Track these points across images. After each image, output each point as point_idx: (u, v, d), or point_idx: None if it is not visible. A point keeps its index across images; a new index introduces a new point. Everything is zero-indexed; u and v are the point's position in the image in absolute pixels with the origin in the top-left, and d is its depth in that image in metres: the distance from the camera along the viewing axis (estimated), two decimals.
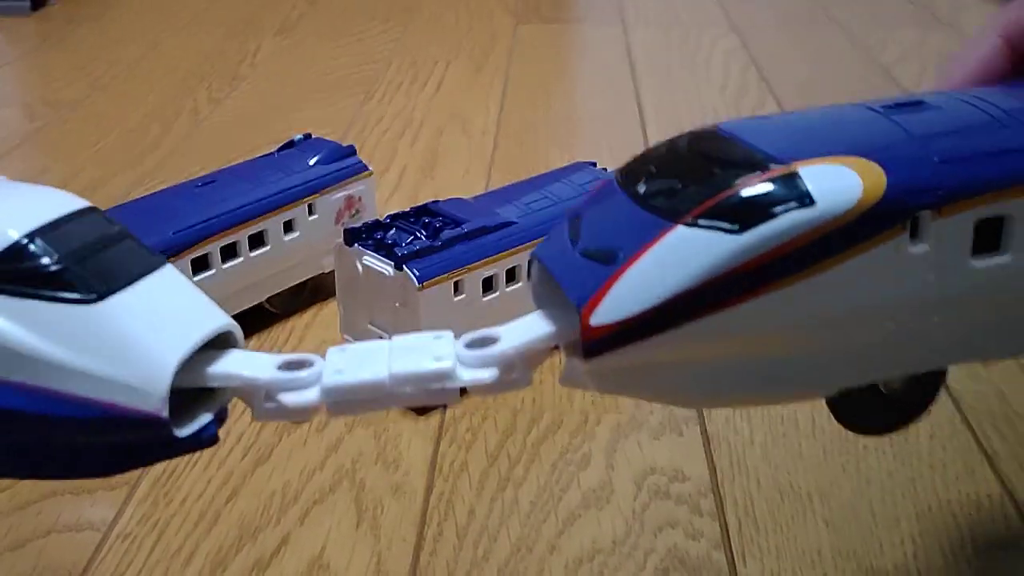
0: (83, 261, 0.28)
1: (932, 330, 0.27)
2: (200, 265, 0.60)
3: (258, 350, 0.63)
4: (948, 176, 0.26)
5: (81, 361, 0.26)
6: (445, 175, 0.89)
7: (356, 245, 0.57)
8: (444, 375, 0.26)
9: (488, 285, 0.57)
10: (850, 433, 0.54)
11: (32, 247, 0.27)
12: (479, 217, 0.58)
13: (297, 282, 0.66)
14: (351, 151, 0.68)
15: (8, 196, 0.30)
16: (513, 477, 0.52)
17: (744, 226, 0.24)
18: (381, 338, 0.57)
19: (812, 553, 0.47)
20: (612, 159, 0.94)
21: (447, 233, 0.56)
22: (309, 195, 0.65)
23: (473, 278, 0.56)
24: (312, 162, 0.66)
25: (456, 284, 0.56)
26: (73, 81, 1.16)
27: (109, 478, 0.52)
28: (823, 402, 0.57)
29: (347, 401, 0.26)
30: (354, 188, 0.67)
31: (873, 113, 0.28)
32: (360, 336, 0.58)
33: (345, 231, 0.57)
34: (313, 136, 0.70)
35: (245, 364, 0.28)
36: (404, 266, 0.54)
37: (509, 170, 0.89)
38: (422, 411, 0.57)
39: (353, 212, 0.68)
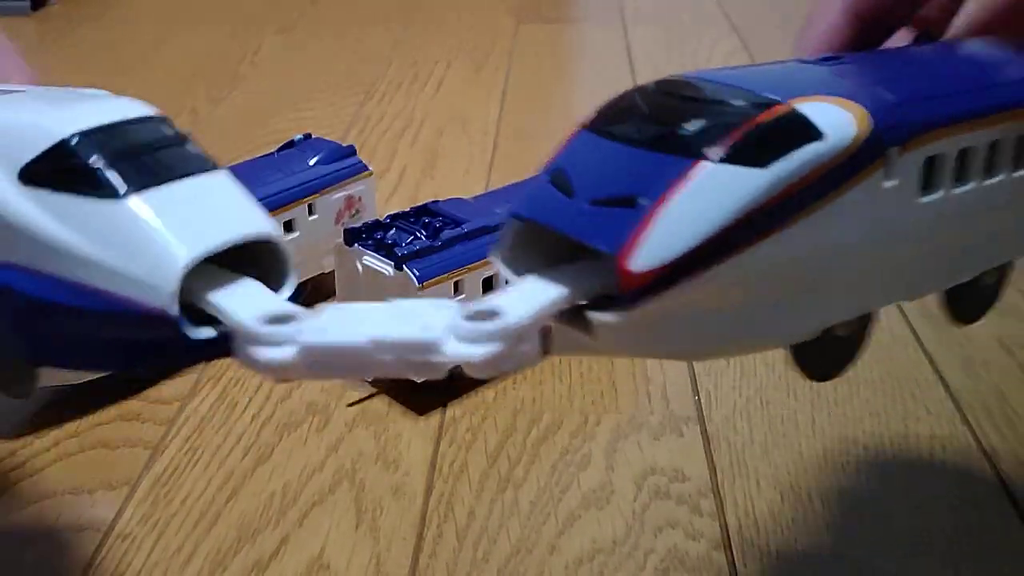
0: (122, 160, 0.28)
1: (894, 265, 0.29)
2: None
3: None
4: (907, 115, 0.27)
5: (101, 254, 0.27)
6: (445, 175, 0.89)
7: (356, 245, 0.57)
8: (427, 347, 0.24)
9: (488, 285, 0.57)
10: (850, 433, 0.55)
11: (75, 145, 0.28)
12: (479, 217, 0.58)
13: (297, 282, 0.66)
14: (351, 151, 0.68)
15: (77, 101, 0.31)
16: (513, 478, 0.52)
17: (770, 160, 0.25)
18: None
19: (812, 553, 0.47)
20: None
21: (447, 233, 0.56)
22: (309, 195, 0.65)
23: (473, 278, 0.56)
24: (312, 162, 0.66)
25: (456, 284, 0.56)
26: (73, 81, 1.15)
27: (110, 478, 0.52)
28: (821, 393, 0.57)
29: (325, 363, 0.24)
30: (354, 188, 0.67)
31: (815, 65, 0.30)
32: None
33: (345, 231, 0.57)
34: (313, 136, 0.70)
35: (240, 302, 0.27)
36: (404, 266, 0.54)
37: (509, 170, 0.89)
38: (422, 410, 0.57)
39: (353, 212, 0.68)
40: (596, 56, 1.27)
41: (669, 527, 0.49)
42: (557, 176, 0.26)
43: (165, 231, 0.27)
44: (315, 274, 0.67)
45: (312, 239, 0.65)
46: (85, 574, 0.46)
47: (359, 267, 0.56)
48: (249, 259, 0.28)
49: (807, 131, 0.25)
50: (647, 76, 0.31)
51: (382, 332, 0.24)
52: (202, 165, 0.29)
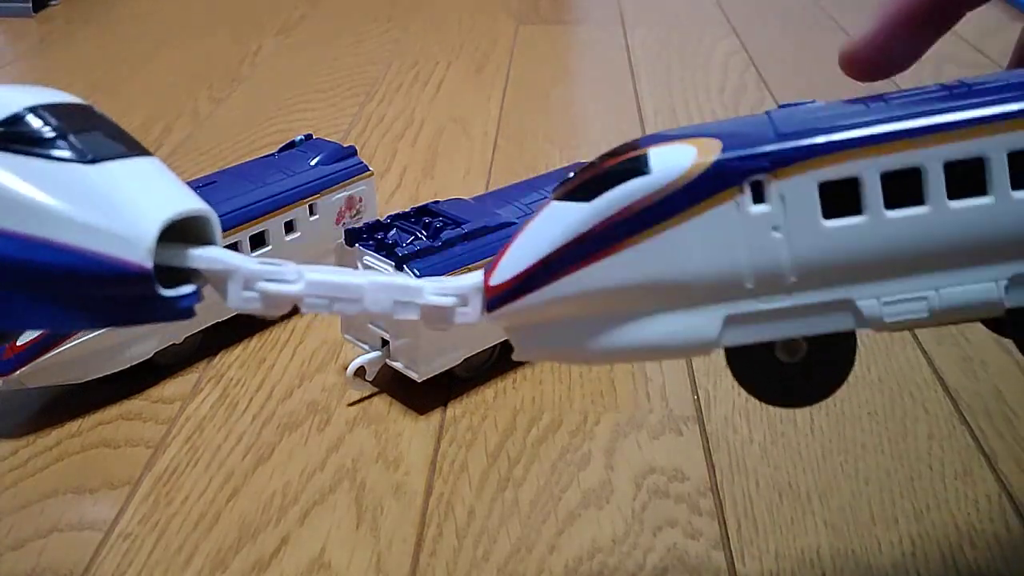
0: (78, 133, 0.30)
1: (794, 292, 0.30)
2: None
3: (259, 350, 0.64)
4: (781, 145, 0.30)
5: (77, 214, 0.29)
6: (445, 175, 0.90)
7: (357, 245, 0.57)
8: (414, 290, 0.31)
9: None
10: (848, 433, 0.55)
11: (33, 116, 0.30)
12: (479, 217, 0.58)
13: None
14: (352, 152, 0.69)
15: (11, 88, 0.33)
16: (513, 477, 0.52)
17: (591, 196, 0.30)
18: (383, 338, 0.58)
19: (811, 553, 0.47)
20: None
21: (447, 233, 0.56)
22: (310, 195, 0.65)
23: None
24: (313, 163, 0.67)
25: None
26: (74, 82, 1.16)
27: (111, 477, 0.52)
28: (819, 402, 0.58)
29: (325, 296, 0.30)
30: (355, 188, 0.67)
31: (763, 115, 0.33)
32: (361, 337, 0.59)
33: (346, 231, 0.57)
34: (314, 136, 0.70)
35: (227, 253, 0.30)
36: (405, 266, 0.54)
37: (509, 170, 0.90)
38: (423, 410, 0.57)
39: (354, 212, 0.68)
40: (596, 57, 1.27)
41: (668, 526, 0.49)
42: None
43: (137, 196, 0.30)
44: None
45: (313, 239, 0.66)
46: (86, 574, 0.46)
47: (360, 267, 0.57)
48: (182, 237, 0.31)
49: (636, 169, 0.29)
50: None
51: (378, 277, 0.30)
52: (140, 149, 0.32)
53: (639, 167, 0.29)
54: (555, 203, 0.30)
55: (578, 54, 1.32)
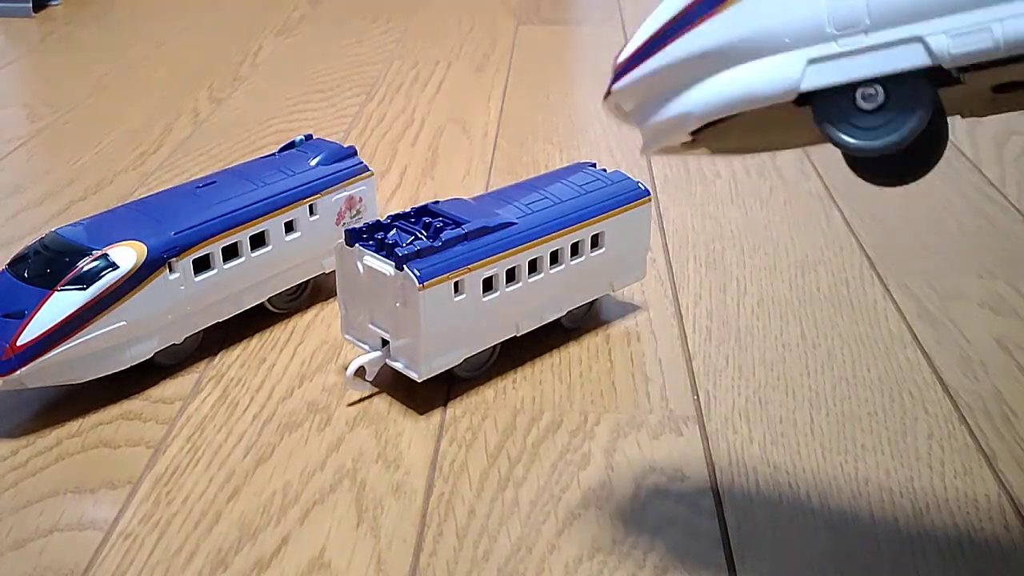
0: None
1: (870, 32, 0.34)
2: (202, 265, 0.60)
3: (259, 350, 0.64)
4: None
5: None
6: (445, 175, 0.90)
7: (357, 245, 0.57)
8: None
9: (488, 285, 0.58)
10: (848, 433, 0.55)
11: None
12: (479, 218, 0.59)
13: (298, 282, 0.67)
14: (352, 152, 0.69)
15: None
16: (513, 477, 0.52)
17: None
18: (383, 338, 0.58)
19: (810, 552, 0.47)
20: (611, 159, 0.94)
21: (447, 233, 0.56)
22: (310, 196, 0.65)
23: (473, 278, 0.56)
24: (313, 163, 0.67)
25: (456, 284, 0.56)
26: (75, 82, 1.16)
27: (112, 477, 0.52)
28: (820, 393, 0.57)
29: None
30: (355, 189, 0.68)
31: None
32: (361, 336, 0.59)
33: (346, 231, 0.57)
34: (314, 137, 0.71)
35: None
36: (405, 266, 0.54)
37: (509, 170, 0.90)
38: (423, 410, 0.57)
39: (354, 212, 0.68)
40: (595, 57, 1.27)
41: (668, 526, 0.49)
42: None
43: None
44: (316, 274, 0.67)
45: (313, 239, 0.66)
46: (87, 573, 0.47)
47: (360, 267, 0.57)
48: None
49: None
50: None
51: None
52: None
53: None
54: None
55: (578, 54, 1.32)
